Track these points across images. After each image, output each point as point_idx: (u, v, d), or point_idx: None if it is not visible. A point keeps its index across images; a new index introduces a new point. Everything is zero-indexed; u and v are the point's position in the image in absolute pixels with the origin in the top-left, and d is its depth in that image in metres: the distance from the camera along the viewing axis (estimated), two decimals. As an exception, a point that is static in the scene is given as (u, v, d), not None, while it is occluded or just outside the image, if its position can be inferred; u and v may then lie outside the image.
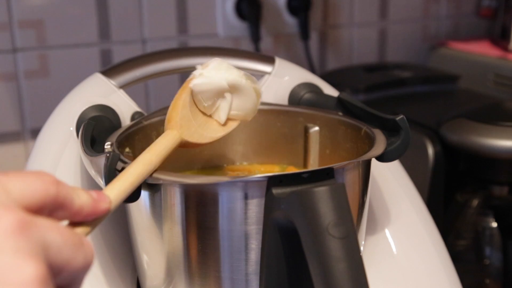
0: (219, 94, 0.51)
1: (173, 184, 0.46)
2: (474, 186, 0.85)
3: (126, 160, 0.46)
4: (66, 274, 0.31)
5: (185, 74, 0.96)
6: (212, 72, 0.50)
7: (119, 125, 0.58)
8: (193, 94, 0.51)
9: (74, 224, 0.36)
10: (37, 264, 0.28)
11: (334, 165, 0.45)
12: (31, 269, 0.28)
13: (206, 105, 0.51)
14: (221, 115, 0.52)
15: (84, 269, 0.32)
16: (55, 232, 0.31)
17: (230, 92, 0.51)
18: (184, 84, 0.51)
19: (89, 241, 0.33)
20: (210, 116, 0.52)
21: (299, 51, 1.06)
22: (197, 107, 0.51)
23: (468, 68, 1.07)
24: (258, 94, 0.52)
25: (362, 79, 0.99)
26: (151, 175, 0.45)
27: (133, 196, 0.46)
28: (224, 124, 0.52)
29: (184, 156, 0.60)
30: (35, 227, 0.30)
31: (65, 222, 0.35)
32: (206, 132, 0.51)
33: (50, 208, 0.33)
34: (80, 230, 0.35)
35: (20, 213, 0.29)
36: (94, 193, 0.37)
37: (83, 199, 0.35)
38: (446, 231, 0.78)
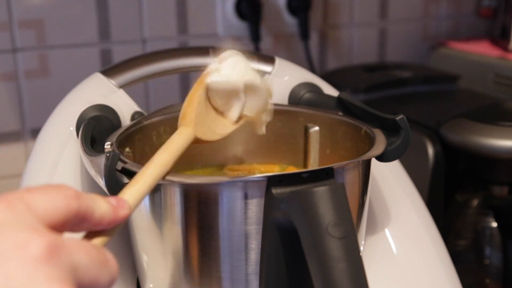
0: (235, 93, 0.50)
1: (173, 184, 0.46)
2: (474, 186, 0.85)
3: (126, 160, 0.46)
4: None
5: (185, 74, 0.97)
6: (229, 70, 0.49)
7: (119, 125, 0.58)
8: (207, 89, 0.50)
9: (93, 233, 0.35)
10: None
11: (334, 165, 0.45)
12: None
13: (220, 102, 0.50)
14: (234, 114, 0.50)
15: (109, 285, 0.32)
16: (82, 252, 0.31)
17: (245, 92, 0.50)
18: (200, 79, 0.50)
19: (112, 257, 0.33)
20: (222, 113, 0.51)
21: (299, 51, 1.06)
22: (210, 102, 0.50)
23: (468, 68, 1.07)
24: (270, 94, 0.51)
25: (362, 79, 0.99)
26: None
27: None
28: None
29: (184, 156, 0.60)
30: (64, 249, 0.30)
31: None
32: (217, 128, 0.50)
33: (72, 222, 0.33)
34: (100, 240, 0.35)
35: (48, 236, 0.29)
36: (113, 200, 0.36)
37: (103, 209, 0.35)
38: (446, 231, 0.78)
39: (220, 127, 0.51)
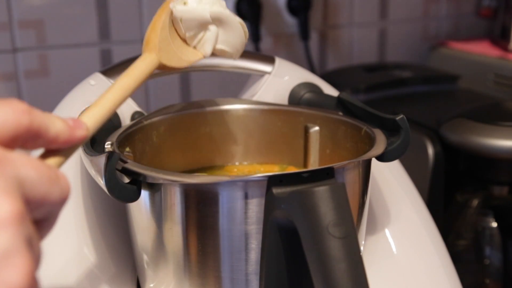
0: (203, 25, 0.49)
1: (173, 184, 0.46)
2: (474, 186, 0.85)
3: (126, 159, 0.46)
4: (42, 209, 0.31)
5: (185, 74, 0.97)
6: (194, 4, 0.48)
7: (119, 125, 0.58)
8: (172, 18, 0.49)
9: (47, 154, 0.34)
10: (14, 201, 0.28)
11: (334, 164, 0.45)
12: (8, 206, 0.27)
13: (188, 34, 0.49)
14: (206, 48, 0.50)
15: (60, 203, 0.32)
16: (30, 167, 0.30)
17: (216, 25, 0.49)
18: (164, 5, 0.49)
19: (65, 176, 0.32)
20: (194, 48, 0.50)
21: (299, 51, 1.06)
22: (176, 31, 0.49)
23: (468, 68, 1.07)
24: (245, 31, 0.50)
25: (362, 79, 0.99)
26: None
27: (133, 195, 0.46)
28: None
29: (184, 156, 0.60)
30: (9, 163, 0.29)
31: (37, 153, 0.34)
32: (185, 55, 0.49)
33: (24, 138, 0.32)
34: (54, 160, 0.34)
35: None
36: (70, 120, 0.35)
37: (58, 127, 0.34)
38: (446, 231, 0.78)
39: (188, 54, 0.50)
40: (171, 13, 0.49)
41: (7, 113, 0.31)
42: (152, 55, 0.47)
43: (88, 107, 0.40)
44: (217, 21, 0.50)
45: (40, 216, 0.31)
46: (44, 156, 0.35)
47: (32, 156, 0.32)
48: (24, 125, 0.31)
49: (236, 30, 0.50)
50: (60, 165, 0.35)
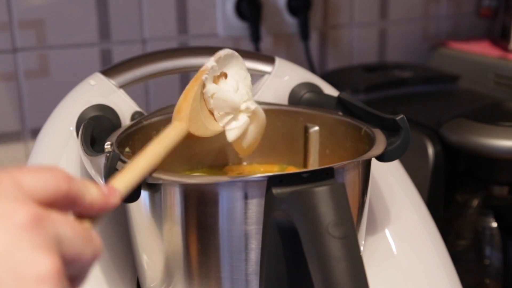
0: (233, 110, 0.51)
1: (173, 184, 0.46)
2: (474, 186, 0.85)
3: (126, 160, 0.46)
4: (76, 266, 0.32)
5: (185, 74, 0.97)
6: (231, 87, 0.50)
7: (119, 125, 0.58)
8: (203, 90, 0.50)
9: (81, 218, 0.36)
10: (53, 258, 0.29)
11: (334, 165, 0.45)
12: (47, 263, 0.29)
13: (216, 113, 0.51)
14: (231, 134, 0.52)
15: (92, 261, 0.33)
16: (67, 226, 0.31)
17: (247, 116, 0.51)
18: (197, 75, 0.50)
19: (97, 234, 0.34)
20: (223, 127, 0.52)
21: (299, 51, 1.06)
22: (204, 102, 0.51)
23: (468, 68, 1.07)
24: (262, 126, 0.53)
25: (362, 79, 0.99)
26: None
27: (134, 195, 0.46)
28: None
29: (184, 156, 0.60)
30: (49, 221, 0.30)
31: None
32: (210, 125, 0.51)
33: (62, 204, 0.33)
34: (88, 221, 0.36)
35: (34, 207, 0.30)
36: (105, 188, 0.37)
37: (94, 195, 0.35)
38: (446, 231, 0.78)
39: (214, 124, 0.51)
40: (203, 85, 0.50)
41: (49, 179, 0.32)
42: (183, 124, 0.48)
43: (121, 171, 0.41)
44: (249, 113, 0.51)
45: (73, 273, 0.32)
46: (80, 216, 0.36)
47: (69, 216, 0.33)
48: (63, 191, 0.33)
49: (260, 127, 0.53)
50: (93, 225, 0.36)
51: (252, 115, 0.52)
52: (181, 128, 0.48)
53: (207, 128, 0.50)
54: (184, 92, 0.50)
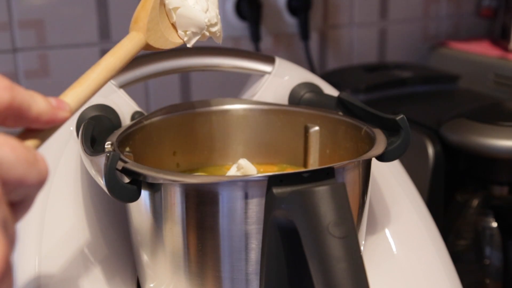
0: (197, 28, 0.49)
1: (173, 184, 0.46)
2: (474, 186, 0.85)
3: (126, 159, 0.46)
4: (19, 191, 0.30)
5: (185, 74, 0.97)
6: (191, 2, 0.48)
7: (119, 125, 0.58)
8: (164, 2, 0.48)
9: (25, 135, 0.34)
10: None
11: (335, 164, 0.45)
12: None
13: (180, 30, 0.49)
14: (192, 43, 0.50)
15: (38, 186, 0.31)
16: (7, 148, 0.29)
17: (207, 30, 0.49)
18: None
19: (43, 157, 0.31)
20: (183, 41, 0.49)
21: (299, 51, 1.06)
22: (165, 12, 0.48)
23: (468, 68, 1.07)
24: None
25: (362, 79, 0.99)
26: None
27: (133, 195, 0.46)
28: None
29: (184, 156, 0.60)
30: None
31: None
32: (171, 37, 0.49)
33: (5, 115, 0.31)
34: (32, 142, 0.34)
35: None
36: (53, 100, 0.35)
37: (41, 106, 0.33)
38: (446, 231, 0.78)
39: (173, 36, 0.49)
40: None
41: None
42: (140, 35, 0.46)
43: (72, 85, 0.39)
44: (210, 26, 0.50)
45: (16, 198, 0.30)
46: (23, 136, 0.34)
47: (10, 136, 0.31)
48: (5, 102, 0.30)
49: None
50: (38, 146, 0.34)
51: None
52: (138, 39, 0.45)
53: (167, 39, 0.48)
54: (142, 0, 0.47)
